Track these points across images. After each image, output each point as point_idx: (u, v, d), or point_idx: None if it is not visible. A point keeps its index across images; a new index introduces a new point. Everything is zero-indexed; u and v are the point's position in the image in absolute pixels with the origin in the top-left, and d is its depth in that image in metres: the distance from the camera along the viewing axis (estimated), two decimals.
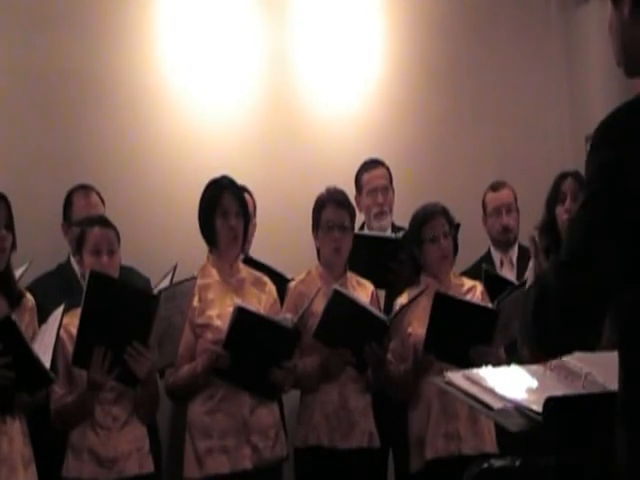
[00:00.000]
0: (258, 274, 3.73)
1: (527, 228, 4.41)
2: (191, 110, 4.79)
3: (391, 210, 4.43)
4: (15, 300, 3.30)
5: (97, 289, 3.16)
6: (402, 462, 3.87)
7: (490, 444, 3.68)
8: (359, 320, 3.59)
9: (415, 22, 5.25)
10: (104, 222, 3.53)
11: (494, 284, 4.04)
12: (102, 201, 4.14)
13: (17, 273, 3.41)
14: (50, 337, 3.17)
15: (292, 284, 3.83)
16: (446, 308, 3.57)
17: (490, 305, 3.67)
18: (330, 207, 3.79)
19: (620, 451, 1.77)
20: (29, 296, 3.38)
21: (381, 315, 3.66)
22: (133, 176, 4.60)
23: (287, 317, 3.52)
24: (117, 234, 3.49)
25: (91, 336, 3.19)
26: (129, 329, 3.18)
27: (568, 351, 1.93)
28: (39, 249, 4.00)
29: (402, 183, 4.52)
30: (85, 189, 4.14)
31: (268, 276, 3.80)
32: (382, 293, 4.16)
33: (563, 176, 3.93)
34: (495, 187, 4.61)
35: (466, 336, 3.56)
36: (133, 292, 3.26)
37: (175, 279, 3.46)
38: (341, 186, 3.93)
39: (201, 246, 3.69)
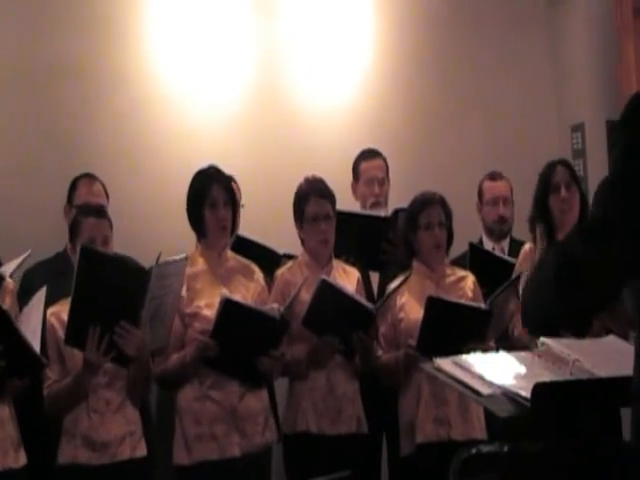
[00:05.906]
0: (246, 262, 3.73)
1: (517, 219, 4.45)
2: (184, 103, 4.83)
3: (386, 201, 4.44)
4: None
5: (89, 263, 3.16)
6: (393, 447, 3.89)
7: (479, 431, 3.69)
8: (346, 309, 3.60)
9: (405, 14, 5.27)
10: (99, 213, 3.53)
11: (480, 258, 4.05)
12: (106, 193, 4.19)
13: (18, 260, 3.43)
14: (37, 321, 3.17)
15: (279, 272, 3.82)
16: (439, 311, 3.57)
17: (483, 306, 3.67)
18: (313, 199, 3.77)
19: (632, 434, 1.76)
20: (10, 279, 3.38)
21: (368, 304, 3.67)
22: (128, 168, 4.64)
23: (274, 307, 3.52)
24: (110, 223, 3.49)
25: (84, 312, 3.18)
26: (120, 304, 3.18)
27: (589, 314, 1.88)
28: (42, 237, 4.07)
29: (391, 174, 4.54)
30: (90, 178, 4.20)
31: (259, 252, 3.79)
32: (375, 278, 4.17)
33: (551, 166, 3.86)
34: (493, 177, 4.60)
35: (459, 336, 3.56)
36: (124, 265, 3.25)
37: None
38: (332, 175, 3.93)
39: (194, 236, 3.70)
